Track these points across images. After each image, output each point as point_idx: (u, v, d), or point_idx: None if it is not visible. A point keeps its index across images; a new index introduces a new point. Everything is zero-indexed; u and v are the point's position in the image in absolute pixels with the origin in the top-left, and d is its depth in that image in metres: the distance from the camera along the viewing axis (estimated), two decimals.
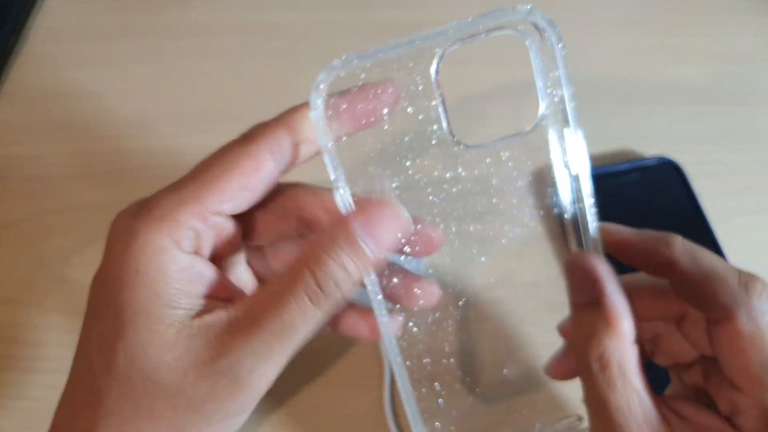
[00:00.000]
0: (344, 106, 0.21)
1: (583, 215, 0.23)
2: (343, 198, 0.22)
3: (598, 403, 0.20)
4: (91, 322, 0.22)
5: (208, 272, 0.23)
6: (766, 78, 0.45)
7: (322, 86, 0.21)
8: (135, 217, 0.22)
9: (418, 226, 0.24)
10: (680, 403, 0.22)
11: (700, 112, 0.43)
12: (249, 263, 0.27)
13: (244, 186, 0.22)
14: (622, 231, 0.23)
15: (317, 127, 0.21)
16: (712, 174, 0.40)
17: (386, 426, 0.32)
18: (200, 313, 0.21)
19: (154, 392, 0.20)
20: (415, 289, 0.25)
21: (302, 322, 0.21)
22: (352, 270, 0.21)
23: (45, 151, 0.41)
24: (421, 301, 0.25)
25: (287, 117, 0.22)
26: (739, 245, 0.37)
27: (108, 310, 0.21)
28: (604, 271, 0.21)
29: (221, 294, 0.23)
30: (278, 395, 0.34)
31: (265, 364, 0.21)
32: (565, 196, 0.23)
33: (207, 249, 0.23)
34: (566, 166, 0.23)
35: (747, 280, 0.21)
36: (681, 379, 0.25)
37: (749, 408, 0.20)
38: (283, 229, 0.25)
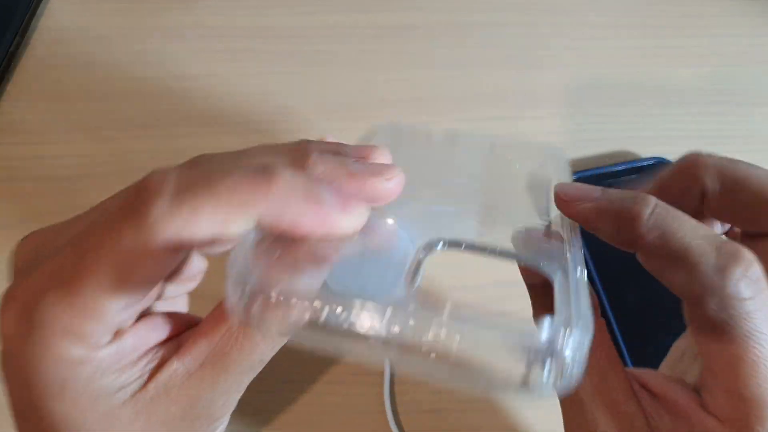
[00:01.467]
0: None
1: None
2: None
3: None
4: (24, 425, 0.19)
5: (148, 333, 0.20)
6: (761, 79, 0.45)
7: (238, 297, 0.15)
8: (33, 325, 0.17)
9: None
10: (650, 376, 0.21)
11: (695, 113, 0.44)
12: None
13: (149, 280, 0.18)
14: (586, 192, 0.21)
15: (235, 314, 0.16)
16: None
17: (386, 423, 0.33)
18: (153, 374, 0.19)
19: None
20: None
21: (271, 352, 0.20)
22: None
23: (51, 152, 0.42)
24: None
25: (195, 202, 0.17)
26: None
27: (43, 419, 0.18)
28: None
29: (175, 331, 0.21)
30: (279, 393, 0.34)
31: (238, 394, 0.21)
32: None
33: (135, 315, 0.20)
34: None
35: (726, 262, 0.18)
36: None
37: (715, 387, 0.19)
38: None
